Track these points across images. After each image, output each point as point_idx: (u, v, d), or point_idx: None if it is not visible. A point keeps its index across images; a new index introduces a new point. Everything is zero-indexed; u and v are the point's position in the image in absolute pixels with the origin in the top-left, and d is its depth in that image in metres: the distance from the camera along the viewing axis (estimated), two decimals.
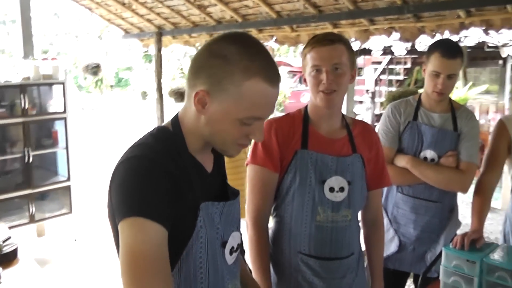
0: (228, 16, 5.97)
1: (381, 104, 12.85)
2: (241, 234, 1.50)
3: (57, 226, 5.93)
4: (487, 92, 15.79)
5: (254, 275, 1.95)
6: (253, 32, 6.15)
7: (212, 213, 1.32)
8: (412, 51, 10.56)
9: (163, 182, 1.22)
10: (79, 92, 23.12)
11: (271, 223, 2.11)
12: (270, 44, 8.10)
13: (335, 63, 1.89)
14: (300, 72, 19.30)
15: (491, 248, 2.26)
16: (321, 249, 1.98)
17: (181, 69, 18.04)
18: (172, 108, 10.10)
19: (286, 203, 2.01)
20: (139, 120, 15.81)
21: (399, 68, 13.83)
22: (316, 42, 1.92)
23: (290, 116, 2.07)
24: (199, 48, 1.34)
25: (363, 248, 2.22)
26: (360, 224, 2.18)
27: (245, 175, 2.08)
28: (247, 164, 2.05)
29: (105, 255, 5.16)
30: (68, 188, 5.86)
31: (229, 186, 1.50)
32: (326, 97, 1.92)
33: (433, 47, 2.54)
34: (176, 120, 1.37)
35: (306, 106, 2.08)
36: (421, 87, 11.05)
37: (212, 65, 1.26)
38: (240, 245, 1.49)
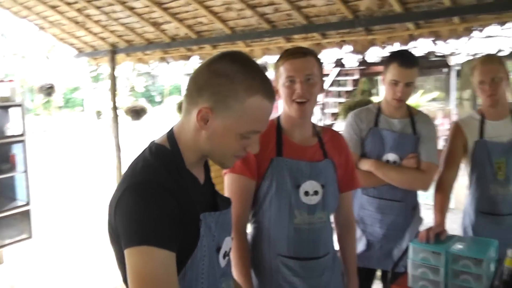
0: (182, 33, 6.04)
1: (332, 114, 13.17)
2: (232, 239, 1.60)
3: (17, 252, 5.81)
4: (433, 99, 16.38)
5: (237, 279, 2.03)
6: (208, 48, 6.26)
7: (209, 222, 1.41)
8: (361, 63, 10.89)
9: (169, 206, 1.30)
10: (27, 115, 22.67)
11: (250, 229, 2.21)
12: None
13: (308, 74, 2.03)
14: None
15: (454, 240, 2.43)
16: (299, 250, 2.09)
17: (132, 87, 18.00)
18: (128, 126, 10.08)
19: (264, 209, 2.11)
20: (93, 141, 15.65)
21: (348, 79, 14.22)
22: (289, 54, 2.06)
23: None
24: (199, 67, 1.41)
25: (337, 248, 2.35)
26: (333, 225, 2.31)
27: (222, 185, 2.17)
28: (224, 174, 2.14)
29: (67, 279, 5.08)
30: (27, 213, 5.75)
31: (220, 195, 1.59)
32: (300, 107, 2.05)
33: (391, 58, 2.72)
34: (172, 136, 1.44)
35: (279, 117, 2.19)
36: (369, 96, 11.43)
37: (215, 83, 1.34)
38: (231, 249, 1.58)
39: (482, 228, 2.83)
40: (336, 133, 2.35)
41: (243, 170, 2.07)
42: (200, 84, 1.37)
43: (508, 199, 2.79)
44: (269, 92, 1.40)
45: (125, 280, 1.34)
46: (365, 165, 2.77)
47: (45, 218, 7.49)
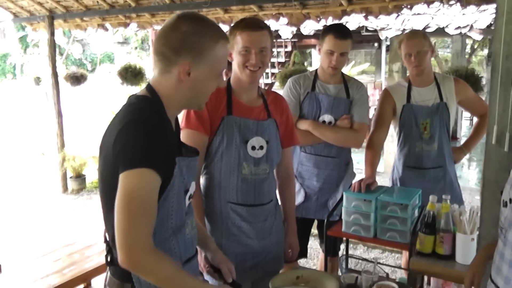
0: (121, 0, 6.10)
1: (265, 85, 13.47)
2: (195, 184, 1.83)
3: None
4: (363, 72, 17.01)
5: None
6: (147, 17, 6.36)
7: (182, 166, 1.64)
8: (295, 35, 11.17)
9: (160, 139, 1.53)
10: None
11: (202, 180, 2.44)
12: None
13: (262, 46, 2.28)
14: None
15: (383, 190, 2.78)
16: (246, 198, 2.36)
17: (70, 53, 17.52)
18: (67, 92, 9.96)
19: (215, 162, 2.34)
20: (32, 107, 15.25)
21: (280, 51, 14.54)
22: (247, 26, 2.27)
23: (217, 88, 2.40)
24: (163, 33, 1.63)
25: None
26: (275, 178, 2.57)
27: None
28: (181, 129, 2.35)
29: (11, 249, 5.15)
30: None
31: (185, 144, 1.82)
32: (252, 74, 2.30)
33: (327, 30, 2.99)
34: (151, 88, 1.66)
35: (229, 79, 2.41)
36: (301, 67, 11.78)
37: (189, 42, 1.59)
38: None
39: (409, 180, 3.20)
40: (278, 95, 2.62)
41: (198, 126, 2.28)
42: (175, 46, 1.60)
43: (432, 155, 3.17)
44: (225, 36, 1.70)
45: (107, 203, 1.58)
46: (304, 125, 3.05)
47: None
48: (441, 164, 3.19)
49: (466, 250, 2.33)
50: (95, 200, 6.98)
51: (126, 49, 27.71)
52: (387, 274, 2.91)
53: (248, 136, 2.32)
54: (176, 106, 1.70)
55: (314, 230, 3.42)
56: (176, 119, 1.79)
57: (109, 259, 1.68)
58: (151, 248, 1.48)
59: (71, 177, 7.46)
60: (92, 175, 7.80)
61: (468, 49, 15.29)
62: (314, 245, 4.64)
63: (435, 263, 2.41)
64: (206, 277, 2.11)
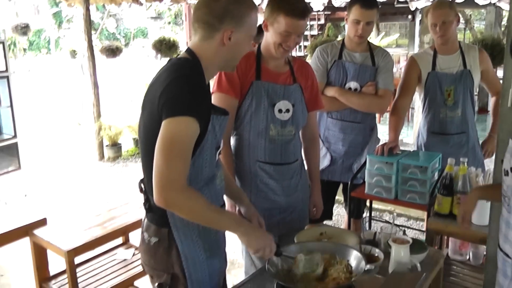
0: None
1: (299, 57, 13.49)
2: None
3: (6, 183, 6.11)
4: (398, 45, 16.85)
5: None
6: None
7: (215, 123, 1.81)
8: (326, 8, 11.14)
9: (201, 95, 1.72)
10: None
11: (232, 140, 2.60)
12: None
13: (301, 32, 2.43)
14: None
15: (404, 154, 2.90)
16: (274, 157, 2.52)
17: (105, 28, 17.71)
18: (103, 65, 10.21)
19: (244, 124, 2.50)
20: (70, 79, 15.59)
21: (314, 24, 14.50)
22: (294, 13, 2.34)
23: (246, 55, 2.53)
24: (207, 2, 1.81)
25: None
26: (301, 140, 2.72)
27: None
28: (213, 93, 2.50)
29: (55, 208, 5.45)
30: (15, 146, 6.02)
31: (216, 106, 1.97)
32: (285, 52, 2.45)
33: (354, 0, 3.08)
34: (192, 52, 1.83)
35: (259, 45, 2.54)
36: (331, 38, 11.78)
37: (231, 9, 1.77)
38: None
39: (433, 146, 3.30)
40: (304, 62, 2.75)
41: (229, 90, 2.43)
42: (220, 14, 1.77)
43: (456, 121, 3.26)
44: (257, 7, 1.89)
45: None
46: (330, 91, 3.17)
47: (32, 151, 7.77)
48: (464, 130, 3.28)
49: (481, 211, 2.41)
50: (130, 168, 7.26)
51: (160, 24, 27.91)
52: (404, 231, 3.04)
53: (275, 100, 2.47)
54: (214, 68, 1.89)
55: (341, 197, 3.56)
56: (208, 84, 1.95)
57: (147, 207, 1.86)
58: (184, 187, 1.65)
59: (107, 146, 7.73)
60: (128, 143, 8.10)
61: (504, 21, 15.01)
62: (341, 212, 4.80)
63: (452, 223, 2.52)
64: None
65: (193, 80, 1.73)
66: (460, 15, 3.26)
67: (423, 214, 4.35)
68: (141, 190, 1.89)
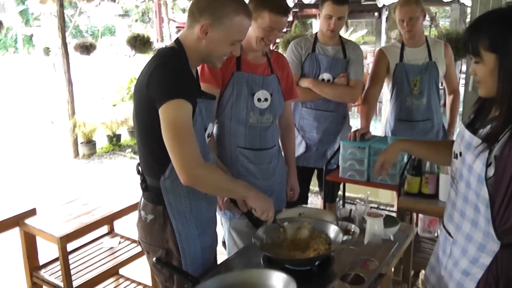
0: None
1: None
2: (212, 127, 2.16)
3: None
4: (364, 42, 17.16)
5: None
6: None
7: (202, 106, 1.95)
8: (296, 4, 11.33)
9: (184, 79, 1.85)
10: None
11: (214, 128, 2.75)
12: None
13: (282, 28, 2.63)
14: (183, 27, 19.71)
15: (376, 139, 3.10)
16: (253, 143, 2.69)
17: (77, 25, 17.55)
18: (75, 63, 10.21)
19: (226, 112, 2.65)
20: (39, 78, 15.45)
21: None
22: (278, 10, 2.52)
23: None
24: None
25: None
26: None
27: None
28: None
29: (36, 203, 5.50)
30: None
31: (204, 91, 2.11)
32: (266, 46, 2.63)
33: None
34: (178, 41, 1.97)
35: None
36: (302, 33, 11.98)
37: (213, 6, 1.88)
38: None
39: (400, 132, 3.52)
40: (279, 54, 2.94)
41: (211, 80, 2.58)
42: (202, 7, 1.90)
43: (421, 109, 3.49)
44: (248, 12, 1.96)
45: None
46: (305, 83, 3.35)
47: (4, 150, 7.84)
48: (429, 117, 3.51)
49: (448, 189, 2.58)
50: (106, 164, 7.35)
51: (127, 21, 27.75)
52: (378, 207, 3.24)
53: (254, 89, 2.63)
54: (196, 58, 1.99)
55: (315, 188, 3.74)
56: (197, 70, 2.10)
57: (143, 187, 2.01)
58: (203, 162, 1.82)
59: (81, 143, 7.79)
60: (102, 140, 8.15)
61: (469, 18, 15.44)
62: (314, 201, 4.99)
63: (421, 201, 2.75)
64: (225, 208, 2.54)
65: (174, 65, 1.86)
66: (426, 12, 3.47)
67: (393, 200, 4.58)
68: (138, 172, 2.03)
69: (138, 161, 2.05)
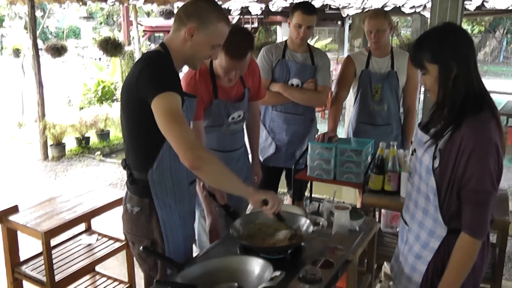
0: None
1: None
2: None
3: None
4: (328, 50, 17.54)
5: None
6: None
7: (186, 104, 2.12)
8: (263, 11, 11.54)
9: (173, 75, 2.04)
10: None
11: None
12: (137, 3, 8.59)
13: (242, 69, 2.77)
14: (151, 31, 19.80)
15: (341, 140, 3.33)
16: (224, 145, 2.96)
17: (47, 27, 17.32)
18: (47, 64, 10.11)
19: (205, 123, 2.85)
20: (11, 78, 15.16)
21: (248, 27, 14.91)
22: (232, 54, 2.61)
23: (202, 74, 2.76)
24: (187, 3, 2.12)
25: None
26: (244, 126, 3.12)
27: None
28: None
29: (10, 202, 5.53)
30: None
31: (185, 92, 2.25)
32: (230, 82, 2.79)
33: (296, 6, 3.52)
34: (164, 45, 2.14)
35: (211, 65, 2.79)
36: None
37: (200, 13, 2.06)
38: None
39: (362, 134, 3.77)
40: (251, 59, 3.04)
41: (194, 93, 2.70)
42: (189, 12, 2.08)
43: (382, 114, 3.74)
44: (228, 20, 2.15)
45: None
46: (275, 87, 3.58)
47: None
48: (389, 122, 3.76)
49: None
50: (75, 167, 7.38)
51: (92, 24, 27.52)
52: (343, 202, 3.47)
53: (231, 112, 2.87)
54: (180, 60, 2.15)
55: (282, 189, 3.95)
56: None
57: (131, 180, 2.16)
58: (203, 146, 2.00)
59: (51, 145, 7.79)
60: (71, 143, 8.18)
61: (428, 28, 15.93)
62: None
63: (384, 198, 2.98)
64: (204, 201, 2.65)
65: (161, 65, 2.02)
66: (393, 25, 3.72)
67: (355, 200, 4.82)
68: (124, 167, 2.19)
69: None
